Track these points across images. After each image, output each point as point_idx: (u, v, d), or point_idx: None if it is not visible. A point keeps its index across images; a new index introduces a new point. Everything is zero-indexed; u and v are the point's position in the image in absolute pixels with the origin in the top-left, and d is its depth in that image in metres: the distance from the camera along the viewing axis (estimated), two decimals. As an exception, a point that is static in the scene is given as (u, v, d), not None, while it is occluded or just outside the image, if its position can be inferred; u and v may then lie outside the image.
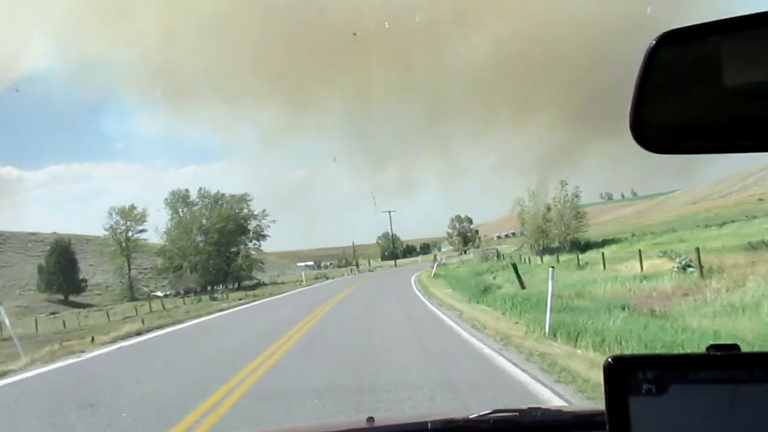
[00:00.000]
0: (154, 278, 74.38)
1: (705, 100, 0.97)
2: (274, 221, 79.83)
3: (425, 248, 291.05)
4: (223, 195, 77.99)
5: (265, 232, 78.92)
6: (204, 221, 70.82)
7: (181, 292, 63.25)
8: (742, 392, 0.89)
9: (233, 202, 76.89)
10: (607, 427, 0.93)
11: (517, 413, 2.14)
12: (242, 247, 74.75)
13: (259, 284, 72.57)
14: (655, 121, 1.00)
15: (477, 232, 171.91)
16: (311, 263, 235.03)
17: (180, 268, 68.05)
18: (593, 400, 6.03)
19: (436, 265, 44.80)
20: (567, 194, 54.06)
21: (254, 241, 78.06)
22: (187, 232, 69.58)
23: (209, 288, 69.91)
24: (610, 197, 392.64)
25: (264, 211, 78.20)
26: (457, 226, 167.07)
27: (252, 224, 77.41)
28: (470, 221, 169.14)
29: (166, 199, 75.85)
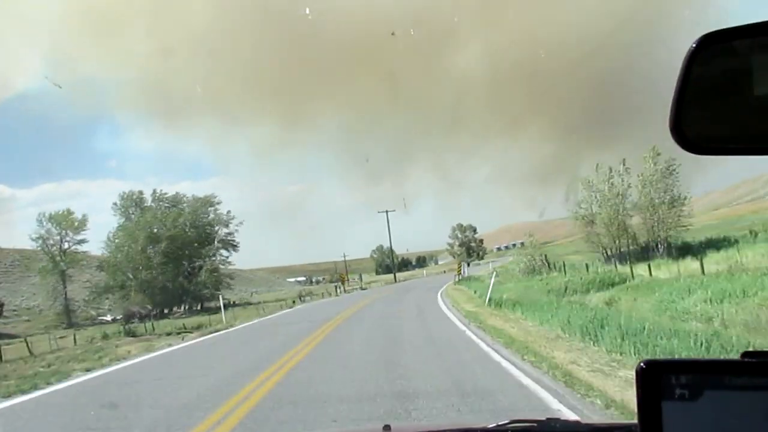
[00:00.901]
0: (99, 299, 60.45)
1: (745, 101, 0.97)
2: (241, 223, 66.51)
3: (421, 261, 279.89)
4: (183, 197, 64.70)
5: (235, 241, 65.57)
6: (156, 229, 57.07)
7: (123, 316, 49.54)
8: None
9: (196, 205, 63.55)
10: (640, 430, 0.92)
11: (535, 424, 2.06)
12: (207, 260, 61.07)
13: (228, 305, 59.14)
14: (695, 123, 1.01)
15: (482, 242, 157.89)
16: (302, 279, 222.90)
17: (123, 286, 54.18)
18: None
19: (489, 288, 30.18)
20: (656, 170, 36.84)
21: (222, 252, 64.61)
22: (134, 241, 55.91)
23: (163, 311, 56.32)
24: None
25: (229, 212, 64.92)
26: (459, 236, 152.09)
27: (220, 231, 64.06)
28: (474, 230, 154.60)
29: (115, 203, 62.24)
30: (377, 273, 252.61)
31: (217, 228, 62.29)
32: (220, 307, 60.19)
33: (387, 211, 54.36)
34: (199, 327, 33.44)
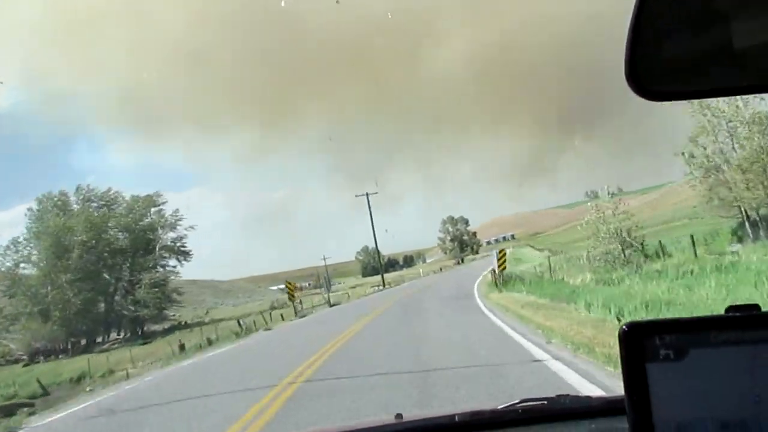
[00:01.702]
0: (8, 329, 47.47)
1: (703, 39, 0.91)
2: (192, 227, 54.22)
3: (408, 260, 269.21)
4: (119, 196, 52.07)
5: (186, 248, 53.20)
6: (77, 236, 44.29)
7: (26, 354, 36.88)
8: (764, 352, 0.87)
9: (134, 205, 51.10)
10: (625, 395, 0.90)
11: (545, 402, 2.08)
12: (144, 272, 48.46)
13: (176, 327, 46.94)
14: (652, 67, 0.94)
15: (475, 234, 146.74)
16: (282, 286, 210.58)
17: (32, 313, 41.24)
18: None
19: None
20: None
21: (168, 260, 52.22)
22: (48, 252, 43.31)
23: (93, 340, 43.97)
24: (595, 195, 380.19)
25: (177, 211, 52.56)
26: (451, 229, 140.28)
27: (166, 236, 51.66)
28: (466, 222, 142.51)
29: (30, 208, 49.22)
30: (363, 275, 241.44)
31: (159, 232, 49.66)
32: (168, 330, 48.73)
33: (367, 194, 42.65)
34: (107, 374, 21.69)
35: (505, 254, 23.76)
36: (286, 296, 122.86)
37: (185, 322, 50.32)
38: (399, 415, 2.26)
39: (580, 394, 2.60)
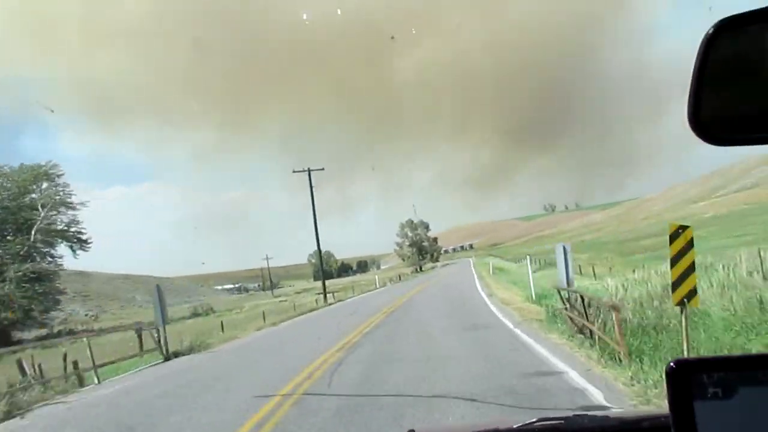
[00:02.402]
0: None
1: (765, 87, 0.94)
2: (84, 203, 43.41)
3: (362, 266, 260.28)
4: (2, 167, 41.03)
5: (84, 235, 42.45)
6: None
7: None
8: None
9: (15, 177, 40.11)
10: None
11: (563, 420, 2.04)
12: (17, 262, 37.37)
13: (52, 335, 36.19)
14: (715, 113, 0.98)
15: (436, 240, 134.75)
16: (230, 286, 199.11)
17: None
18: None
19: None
20: None
21: (55, 248, 41.35)
22: None
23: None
24: (553, 209, 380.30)
25: (67, 186, 41.72)
26: (410, 234, 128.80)
27: (55, 218, 40.80)
28: (427, 227, 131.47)
29: None
30: (315, 278, 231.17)
31: (41, 212, 38.60)
32: (39, 339, 37.75)
33: (309, 170, 33.06)
34: None
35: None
36: (232, 297, 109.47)
37: (69, 330, 39.57)
38: (411, 431, 2.24)
39: (597, 413, 2.28)
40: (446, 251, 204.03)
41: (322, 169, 35.49)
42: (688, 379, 0.87)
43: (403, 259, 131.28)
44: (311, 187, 33.40)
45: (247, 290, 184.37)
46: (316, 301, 35.32)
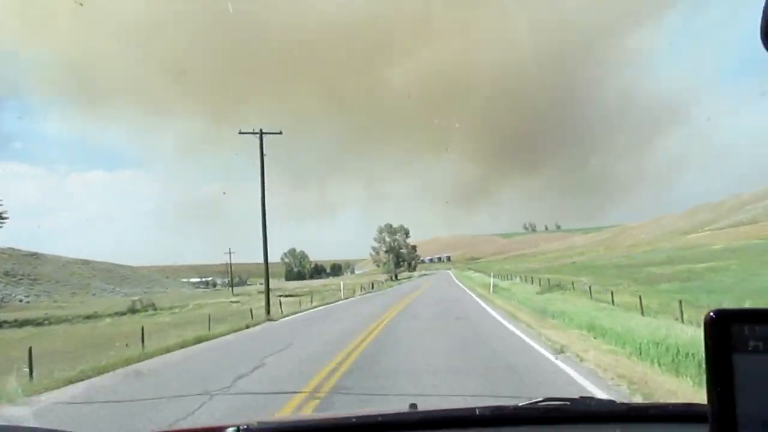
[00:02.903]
0: None
1: None
2: None
3: (336, 269, 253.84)
4: None
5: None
6: None
7: None
8: None
9: None
10: (709, 386, 0.86)
11: (569, 402, 2.05)
12: None
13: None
14: None
15: (415, 248, 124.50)
16: (195, 280, 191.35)
17: None
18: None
19: None
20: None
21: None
22: None
23: None
24: (533, 229, 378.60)
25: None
26: (388, 239, 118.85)
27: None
28: (407, 233, 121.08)
29: None
30: (287, 278, 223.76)
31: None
32: None
33: (261, 132, 26.68)
34: None
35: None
36: (196, 291, 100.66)
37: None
38: (413, 405, 2.22)
39: (603, 398, 2.39)
40: (423, 261, 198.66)
41: (280, 132, 29.08)
42: (728, 330, 0.82)
43: (378, 266, 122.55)
44: (261, 151, 27.03)
45: (214, 285, 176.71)
46: (251, 313, 25.18)
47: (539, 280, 37.34)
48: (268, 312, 24.21)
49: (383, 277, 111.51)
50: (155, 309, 44.36)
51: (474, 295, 33.61)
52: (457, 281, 64.60)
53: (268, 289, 26.24)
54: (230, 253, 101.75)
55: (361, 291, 53.81)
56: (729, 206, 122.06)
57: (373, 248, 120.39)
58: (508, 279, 51.27)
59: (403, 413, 2.11)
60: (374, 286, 67.64)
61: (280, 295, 44.63)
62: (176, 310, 40.47)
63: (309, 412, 6.34)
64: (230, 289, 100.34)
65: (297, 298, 42.75)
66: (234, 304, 43.78)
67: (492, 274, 50.65)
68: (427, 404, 4.36)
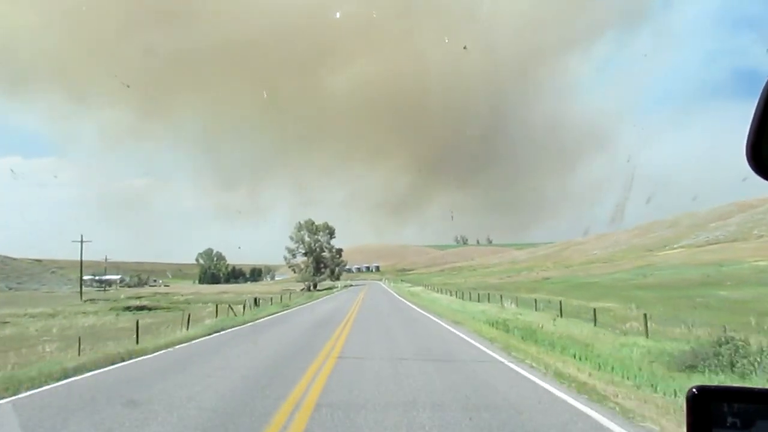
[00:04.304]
0: None
1: None
2: None
3: (256, 274, 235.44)
4: None
5: None
6: None
7: None
8: None
9: None
10: None
11: None
12: None
13: None
14: None
15: (340, 253, 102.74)
16: (88, 278, 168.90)
17: None
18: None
19: None
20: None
21: None
22: None
23: None
24: (465, 242, 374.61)
25: None
26: (308, 239, 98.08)
27: None
28: (331, 233, 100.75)
29: None
30: (201, 281, 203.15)
31: None
32: None
33: None
34: None
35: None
36: (85, 290, 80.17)
37: None
38: None
39: None
40: (350, 270, 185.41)
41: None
42: (708, 406, 0.87)
43: (295, 271, 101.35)
44: None
45: (110, 284, 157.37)
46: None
47: (539, 302, 25.31)
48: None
49: (299, 286, 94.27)
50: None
51: (450, 328, 19.49)
52: (398, 297, 50.85)
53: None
54: (82, 241, 79.61)
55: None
56: (687, 224, 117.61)
57: (289, 249, 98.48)
58: (480, 300, 38.34)
59: None
60: (282, 298, 50.10)
61: (128, 307, 31.28)
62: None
63: None
64: (80, 291, 79.60)
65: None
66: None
67: (427, 285, 37.86)
68: None
